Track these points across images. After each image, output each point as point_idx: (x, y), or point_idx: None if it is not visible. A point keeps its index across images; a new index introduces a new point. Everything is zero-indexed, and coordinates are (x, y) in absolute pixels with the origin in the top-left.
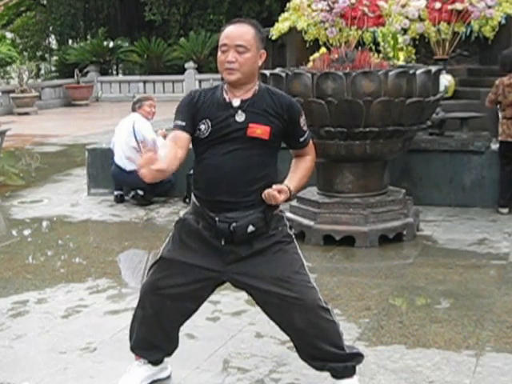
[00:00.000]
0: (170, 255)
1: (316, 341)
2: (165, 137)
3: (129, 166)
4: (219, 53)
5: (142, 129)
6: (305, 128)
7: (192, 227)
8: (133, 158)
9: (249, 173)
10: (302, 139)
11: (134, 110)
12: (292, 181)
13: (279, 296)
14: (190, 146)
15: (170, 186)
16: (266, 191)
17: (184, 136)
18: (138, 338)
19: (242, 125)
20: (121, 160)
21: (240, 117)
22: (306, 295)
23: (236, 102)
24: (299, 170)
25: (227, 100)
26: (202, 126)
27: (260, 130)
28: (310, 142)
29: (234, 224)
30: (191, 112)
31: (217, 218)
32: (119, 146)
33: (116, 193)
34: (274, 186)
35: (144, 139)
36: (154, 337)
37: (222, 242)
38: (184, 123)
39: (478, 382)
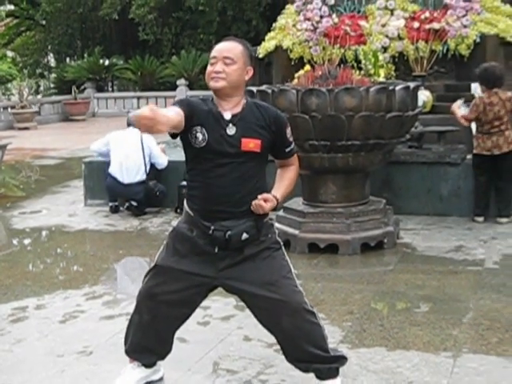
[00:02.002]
0: (164, 263)
1: (302, 343)
2: (164, 151)
3: (126, 179)
4: (209, 66)
5: (150, 142)
6: (291, 139)
7: (185, 236)
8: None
9: (245, 184)
10: (287, 149)
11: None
12: (278, 190)
13: (267, 299)
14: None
15: (162, 196)
16: (254, 201)
17: (180, 113)
18: (134, 342)
19: (234, 139)
20: (119, 172)
21: (231, 130)
22: (292, 298)
23: (227, 116)
24: (285, 179)
25: (217, 112)
26: (200, 136)
27: (253, 144)
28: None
29: (229, 232)
30: (190, 111)
31: (212, 227)
32: (118, 158)
33: (111, 204)
34: (260, 196)
35: (151, 152)
36: (148, 341)
37: (216, 249)
38: (182, 111)
39: (456, 382)
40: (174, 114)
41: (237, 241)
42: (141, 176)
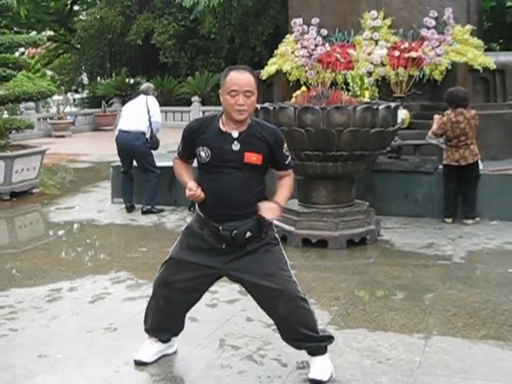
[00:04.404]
0: (178, 256)
1: (295, 325)
2: None
3: (128, 127)
4: (228, 97)
5: (152, 104)
6: (287, 153)
7: (197, 233)
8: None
9: (247, 191)
10: (286, 162)
11: (147, 93)
12: (281, 195)
13: (266, 288)
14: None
15: (154, 140)
16: (261, 207)
17: (184, 163)
18: (152, 323)
19: (238, 153)
20: (125, 124)
21: (236, 146)
22: (287, 288)
23: (235, 134)
24: (285, 186)
25: (224, 130)
26: (202, 153)
27: (255, 158)
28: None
29: (235, 231)
30: (190, 140)
31: (220, 227)
32: (126, 113)
33: (128, 204)
34: (266, 205)
35: (153, 113)
36: (164, 322)
37: (223, 246)
38: (182, 151)
39: (427, 359)
40: (187, 170)
41: (241, 238)
42: (140, 127)
